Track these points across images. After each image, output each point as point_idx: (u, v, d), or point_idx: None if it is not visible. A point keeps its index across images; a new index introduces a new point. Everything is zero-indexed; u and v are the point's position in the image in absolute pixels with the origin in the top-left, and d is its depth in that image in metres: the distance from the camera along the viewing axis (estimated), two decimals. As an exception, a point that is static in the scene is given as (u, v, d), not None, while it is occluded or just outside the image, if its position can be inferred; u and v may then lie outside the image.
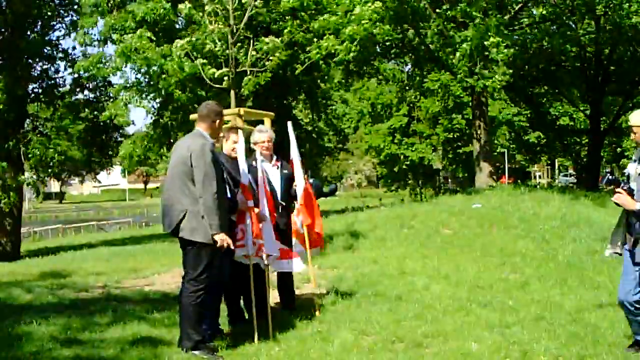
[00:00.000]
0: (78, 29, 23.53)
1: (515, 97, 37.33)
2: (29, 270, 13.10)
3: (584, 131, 38.79)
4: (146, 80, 20.74)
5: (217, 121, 6.69)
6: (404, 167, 49.34)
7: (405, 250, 13.20)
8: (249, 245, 7.01)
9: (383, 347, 6.60)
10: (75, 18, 24.37)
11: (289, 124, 8.30)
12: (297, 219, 8.03)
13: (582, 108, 37.65)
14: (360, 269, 11.12)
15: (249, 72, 12.87)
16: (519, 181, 38.24)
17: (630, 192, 5.79)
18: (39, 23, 23.44)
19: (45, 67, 24.04)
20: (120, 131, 27.23)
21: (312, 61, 14.42)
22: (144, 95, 21.47)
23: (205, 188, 6.25)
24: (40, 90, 23.98)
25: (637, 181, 5.80)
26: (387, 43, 25.81)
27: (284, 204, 8.04)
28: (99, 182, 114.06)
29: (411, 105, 45.99)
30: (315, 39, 14.69)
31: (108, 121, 23.98)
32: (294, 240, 7.99)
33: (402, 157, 48.67)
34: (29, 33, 22.96)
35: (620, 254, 6.23)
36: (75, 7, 24.36)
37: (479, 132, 25.49)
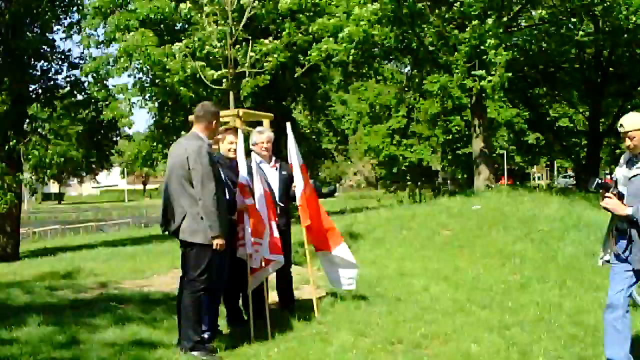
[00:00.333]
0: (81, 30, 23.57)
1: (514, 98, 37.33)
2: (28, 270, 13.10)
3: (583, 133, 38.81)
4: (149, 78, 20.81)
5: (214, 122, 6.67)
6: (403, 168, 49.37)
7: (405, 252, 13.20)
8: (248, 245, 7.02)
9: (382, 348, 6.59)
10: (75, 19, 24.40)
11: (288, 125, 8.30)
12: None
13: (581, 110, 37.67)
14: (360, 270, 11.12)
15: (247, 74, 12.88)
16: (517, 183, 38.30)
17: (620, 197, 5.67)
18: (38, 23, 23.40)
19: (45, 67, 24.03)
20: (119, 132, 27.22)
21: (312, 63, 14.42)
22: (147, 96, 21.53)
23: (203, 190, 6.24)
24: (40, 91, 23.96)
25: (628, 185, 5.67)
26: (387, 44, 25.79)
27: (282, 205, 8.04)
28: (98, 182, 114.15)
29: (410, 106, 45.98)
30: (314, 42, 14.71)
31: (107, 121, 24.01)
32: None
33: (401, 158, 48.70)
34: (28, 33, 22.92)
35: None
36: (75, 7, 24.36)
37: (478, 133, 25.48)
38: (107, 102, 24.42)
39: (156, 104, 23.46)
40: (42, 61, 23.81)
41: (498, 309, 8.15)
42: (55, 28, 24.38)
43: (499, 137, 46.79)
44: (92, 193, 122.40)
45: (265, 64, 12.88)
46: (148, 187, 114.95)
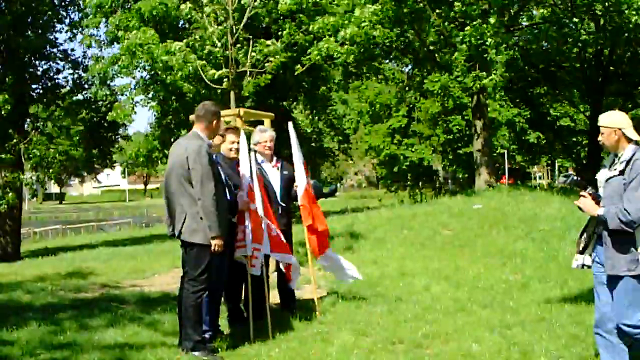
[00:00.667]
0: (82, 30, 23.58)
1: (515, 97, 37.30)
2: (29, 270, 13.10)
3: (584, 132, 38.76)
4: (151, 76, 20.83)
5: (214, 122, 6.65)
6: (404, 167, 49.30)
7: (405, 251, 13.20)
8: (249, 246, 7.01)
9: (383, 348, 6.59)
10: (76, 18, 24.40)
11: (290, 124, 8.29)
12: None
13: (582, 109, 37.63)
14: (360, 270, 11.08)
15: (248, 73, 12.87)
16: (518, 182, 38.22)
17: (595, 198, 5.58)
18: (40, 23, 23.41)
19: (46, 67, 24.05)
20: (120, 131, 27.25)
21: (312, 63, 14.40)
22: (150, 95, 21.54)
23: (203, 189, 6.23)
24: (41, 91, 23.98)
25: (605, 187, 5.55)
26: (387, 44, 25.78)
27: (283, 204, 8.03)
28: (99, 182, 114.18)
29: (411, 105, 45.93)
30: (314, 41, 14.69)
31: (106, 120, 24.01)
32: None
33: (401, 157, 48.63)
34: (29, 33, 22.93)
35: (589, 266, 6.01)
36: (76, 7, 24.37)
37: (478, 133, 25.47)
38: (107, 103, 24.44)
39: (158, 103, 23.47)
40: (44, 61, 23.84)
41: (499, 308, 8.15)
42: (57, 27, 24.43)
43: (499, 136, 46.68)
44: (93, 193, 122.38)
45: (266, 64, 12.87)
46: (149, 187, 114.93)
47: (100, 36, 23.58)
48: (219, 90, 14.81)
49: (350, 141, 47.22)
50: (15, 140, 22.16)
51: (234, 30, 12.41)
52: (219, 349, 6.57)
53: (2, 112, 20.95)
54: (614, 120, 5.49)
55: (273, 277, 8.30)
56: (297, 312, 7.97)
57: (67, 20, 24.65)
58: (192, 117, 6.97)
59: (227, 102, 12.47)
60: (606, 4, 22.41)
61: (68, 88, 24.65)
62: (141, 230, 39.20)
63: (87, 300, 9.30)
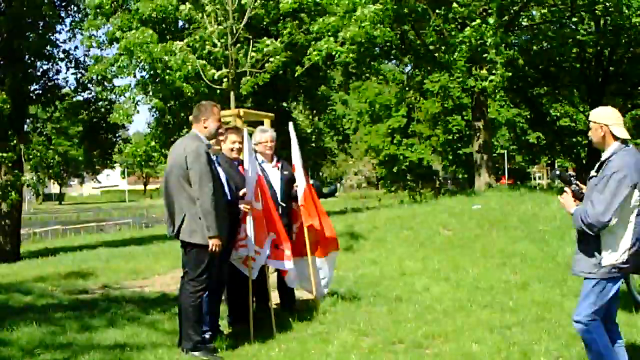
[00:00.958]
0: (82, 31, 23.58)
1: (515, 98, 37.30)
2: (29, 271, 13.09)
3: (584, 132, 38.72)
4: (151, 75, 20.81)
5: (213, 122, 6.63)
6: (403, 167, 49.34)
7: (405, 251, 13.20)
8: (250, 247, 7.00)
9: (383, 348, 6.59)
10: (76, 19, 24.41)
11: (291, 125, 8.30)
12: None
13: (582, 109, 37.63)
14: (360, 270, 11.13)
15: (248, 73, 12.88)
16: (518, 182, 38.25)
17: (577, 195, 5.45)
18: (40, 24, 23.40)
19: (46, 67, 24.04)
20: (120, 131, 27.25)
21: (312, 63, 14.41)
22: (149, 93, 21.53)
23: (201, 190, 6.24)
24: (41, 91, 23.97)
25: (588, 185, 5.41)
26: (387, 44, 25.80)
27: (284, 205, 8.03)
28: (99, 182, 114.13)
29: (410, 106, 45.97)
30: (314, 41, 14.70)
31: (106, 121, 24.02)
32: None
33: (401, 157, 48.68)
34: (29, 33, 22.93)
35: None
36: (76, 7, 24.37)
37: (478, 133, 25.48)
38: (107, 104, 24.45)
39: (160, 99, 23.47)
40: (44, 61, 23.82)
41: (499, 308, 8.14)
42: (57, 28, 24.45)
43: (499, 136, 46.77)
44: (93, 193, 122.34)
45: (266, 64, 12.87)
46: (149, 187, 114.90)
47: (100, 37, 23.58)
48: (218, 91, 14.81)
49: (350, 141, 47.23)
50: (14, 141, 22.14)
51: (234, 30, 12.42)
52: (219, 349, 6.58)
53: (2, 112, 20.94)
54: (600, 116, 5.30)
55: (273, 277, 8.29)
56: (296, 312, 7.97)
57: (68, 21, 24.69)
58: (191, 117, 6.96)
59: (227, 103, 12.47)
60: (607, 3, 22.42)
61: (69, 88, 24.65)
62: (141, 230, 39.19)
63: (87, 300, 9.30)
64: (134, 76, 22.10)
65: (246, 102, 17.77)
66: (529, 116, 40.05)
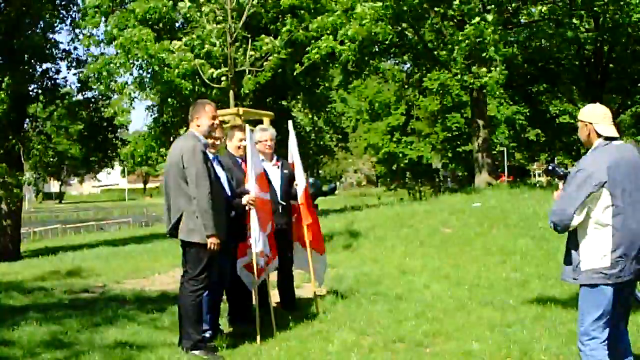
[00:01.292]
0: (81, 30, 23.58)
1: (514, 95, 37.33)
2: (29, 270, 13.11)
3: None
4: (149, 73, 20.79)
5: (208, 120, 6.62)
6: (403, 165, 49.36)
7: (405, 250, 13.20)
8: (255, 243, 6.97)
9: (384, 346, 6.59)
10: (77, 18, 24.40)
11: (290, 123, 8.30)
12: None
13: (581, 106, 37.58)
14: (360, 269, 11.13)
15: (247, 72, 12.87)
16: (517, 179, 38.26)
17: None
18: (40, 24, 23.41)
19: (46, 67, 24.05)
20: (119, 130, 27.25)
21: (311, 61, 14.41)
22: (147, 90, 21.53)
23: (198, 188, 6.24)
24: (40, 91, 23.98)
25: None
26: (387, 42, 25.81)
27: (284, 203, 8.03)
28: (99, 181, 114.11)
29: (410, 103, 45.99)
30: (314, 39, 14.69)
31: (107, 121, 24.03)
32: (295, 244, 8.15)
33: (400, 155, 48.69)
34: (29, 33, 22.93)
35: None
36: (76, 7, 24.39)
37: (478, 130, 25.49)
38: (107, 102, 24.46)
39: (155, 101, 23.46)
40: (44, 61, 23.83)
41: (499, 306, 8.14)
42: (58, 27, 24.43)
43: (499, 134, 46.77)
44: (93, 192, 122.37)
45: (265, 63, 12.87)
46: (148, 186, 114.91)
47: (99, 36, 23.57)
48: (214, 91, 14.81)
49: (349, 139, 47.26)
50: (13, 140, 22.16)
51: (233, 29, 12.42)
52: (219, 348, 6.57)
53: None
54: (585, 114, 5.09)
55: (273, 276, 8.29)
56: (297, 311, 7.97)
57: (68, 20, 24.67)
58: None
59: (225, 101, 12.47)
60: (605, 0, 22.43)
61: (69, 88, 24.67)
62: (141, 229, 39.23)
63: (87, 299, 9.31)
64: (131, 74, 22.09)
65: (245, 101, 17.75)
66: (528, 113, 40.08)
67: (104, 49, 23.47)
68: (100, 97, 24.86)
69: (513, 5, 24.25)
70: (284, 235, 7.84)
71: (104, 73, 21.65)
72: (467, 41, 20.75)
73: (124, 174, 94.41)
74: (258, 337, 6.83)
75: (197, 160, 6.28)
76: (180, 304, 6.51)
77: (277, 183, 7.98)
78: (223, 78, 12.38)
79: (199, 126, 6.58)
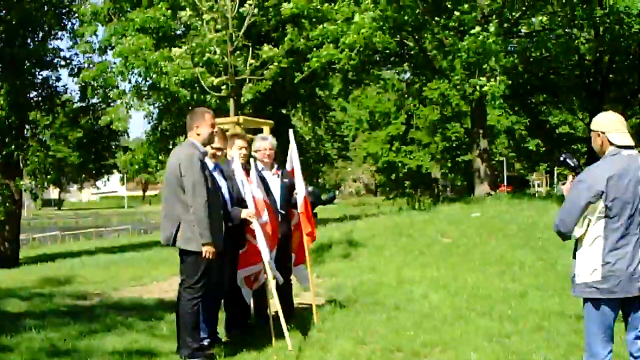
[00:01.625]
0: (78, 37, 23.64)
1: (514, 105, 37.37)
2: (28, 277, 13.09)
3: (583, 139, 38.79)
4: (147, 83, 20.84)
5: (206, 128, 6.62)
6: (402, 175, 49.40)
7: (404, 259, 13.19)
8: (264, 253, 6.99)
9: (382, 356, 6.58)
10: (76, 26, 24.45)
11: (291, 132, 8.30)
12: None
13: (581, 116, 37.67)
14: (359, 278, 11.11)
15: (248, 80, 12.90)
16: (517, 190, 38.24)
17: None
18: (39, 31, 23.45)
19: (46, 75, 24.08)
20: (118, 137, 27.26)
21: (312, 69, 14.45)
22: (144, 99, 21.56)
23: (195, 197, 6.23)
24: (40, 98, 24.00)
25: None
26: (387, 51, 25.84)
27: (283, 212, 8.02)
28: (98, 189, 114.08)
29: (409, 113, 46.05)
30: (314, 48, 14.75)
31: (106, 128, 24.05)
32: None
33: (400, 164, 48.73)
34: (29, 41, 22.97)
35: None
36: (76, 15, 24.42)
37: (477, 140, 25.50)
38: (104, 108, 24.49)
39: (155, 109, 23.48)
40: (44, 68, 23.86)
41: (497, 317, 8.14)
42: (57, 35, 24.48)
43: (498, 144, 46.83)
44: (92, 199, 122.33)
45: (265, 71, 12.89)
46: (148, 193, 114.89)
47: (96, 44, 23.63)
48: (214, 99, 14.83)
49: (349, 148, 47.33)
50: (12, 147, 22.17)
51: (233, 38, 12.44)
52: (217, 356, 6.56)
53: None
54: (598, 123, 4.99)
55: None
56: (295, 319, 7.96)
57: (68, 26, 24.71)
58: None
59: (225, 109, 12.49)
60: (605, 10, 22.46)
61: (69, 95, 24.70)
62: (140, 236, 39.20)
63: (85, 307, 9.29)
64: (129, 82, 22.14)
65: (245, 109, 17.79)
66: (528, 123, 40.10)
67: (100, 57, 23.55)
68: (99, 104, 24.89)
69: (514, 15, 24.25)
70: (283, 245, 7.83)
71: (99, 80, 21.71)
72: (468, 51, 20.75)
73: (123, 181, 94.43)
74: (273, 340, 6.84)
75: (194, 169, 6.28)
76: (178, 312, 6.50)
77: (277, 192, 7.97)
78: (223, 86, 12.40)
79: (198, 135, 6.57)
